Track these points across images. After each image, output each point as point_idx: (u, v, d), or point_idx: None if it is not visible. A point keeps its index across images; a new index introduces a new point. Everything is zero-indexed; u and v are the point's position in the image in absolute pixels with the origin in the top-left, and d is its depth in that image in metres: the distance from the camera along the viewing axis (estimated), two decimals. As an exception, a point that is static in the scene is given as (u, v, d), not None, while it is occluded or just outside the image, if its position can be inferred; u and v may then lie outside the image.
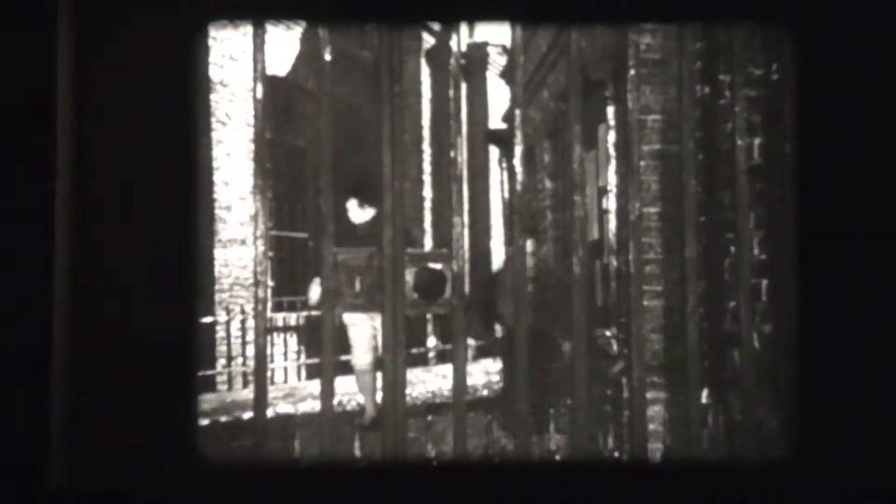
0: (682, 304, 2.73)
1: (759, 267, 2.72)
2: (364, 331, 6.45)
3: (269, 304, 11.05)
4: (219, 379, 10.87)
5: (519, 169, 2.69)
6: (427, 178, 15.11)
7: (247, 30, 2.58)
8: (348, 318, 6.46)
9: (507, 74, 13.00)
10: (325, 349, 2.53)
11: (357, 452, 3.13)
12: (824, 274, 2.17)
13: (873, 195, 2.17)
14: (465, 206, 16.29)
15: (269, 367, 11.25)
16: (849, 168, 2.18)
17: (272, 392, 9.88)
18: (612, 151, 7.86)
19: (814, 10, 2.18)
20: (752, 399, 2.73)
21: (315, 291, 5.78)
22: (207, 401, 9.53)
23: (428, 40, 15.56)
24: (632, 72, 2.78)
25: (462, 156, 2.89)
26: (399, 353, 2.67)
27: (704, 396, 2.84)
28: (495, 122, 15.56)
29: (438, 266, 3.55)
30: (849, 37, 2.17)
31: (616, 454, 3.82)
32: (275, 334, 11.55)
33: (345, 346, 6.63)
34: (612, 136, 7.84)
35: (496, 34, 16.27)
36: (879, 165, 2.18)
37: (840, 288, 2.17)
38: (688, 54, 2.75)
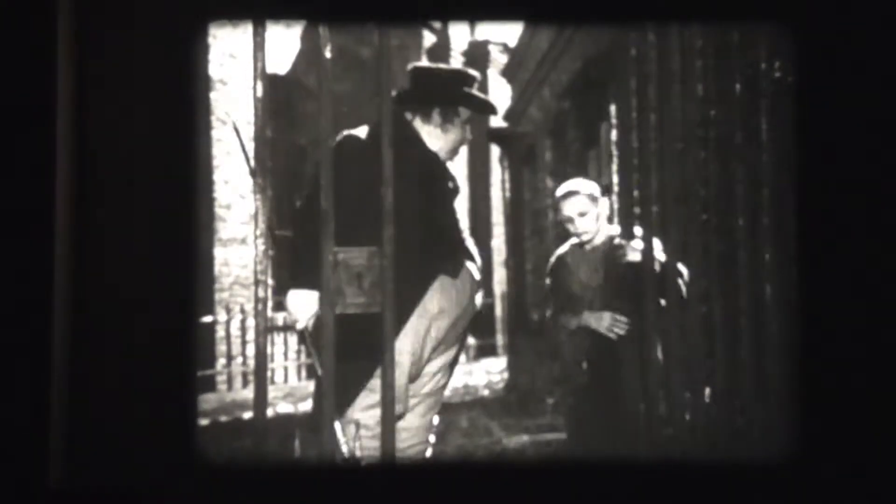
0: (685, 304, 2.73)
1: (761, 266, 2.72)
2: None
3: (270, 304, 11.06)
4: (219, 379, 10.88)
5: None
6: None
7: (247, 28, 2.56)
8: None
9: (509, 72, 13.01)
10: (325, 350, 2.53)
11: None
12: (824, 274, 2.17)
13: (873, 195, 2.17)
14: (467, 205, 16.29)
15: (270, 366, 11.26)
16: (849, 168, 2.18)
17: (272, 392, 9.89)
18: (614, 150, 7.87)
19: (814, 9, 2.17)
20: (753, 399, 2.73)
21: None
22: (207, 401, 9.53)
23: (429, 38, 15.56)
24: (633, 70, 2.77)
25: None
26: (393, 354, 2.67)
27: (706, 396, 2.83)
28: (496, 120, 15.52)
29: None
30: (849, 36, 2.17)
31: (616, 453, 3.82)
32: (275, 334, 11.55)
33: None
34: (613, 135, 7.84)
35: (497, 32, 16.27)
36: (880, 165, 2.18)
37: (840, 288, 2.16)
38: (689, 53, 2.75)
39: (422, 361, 3.25)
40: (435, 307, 3.24)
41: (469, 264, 3.35)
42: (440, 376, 3.36)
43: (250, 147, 2.48)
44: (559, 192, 4.14)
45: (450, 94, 3.39)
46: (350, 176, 3.08)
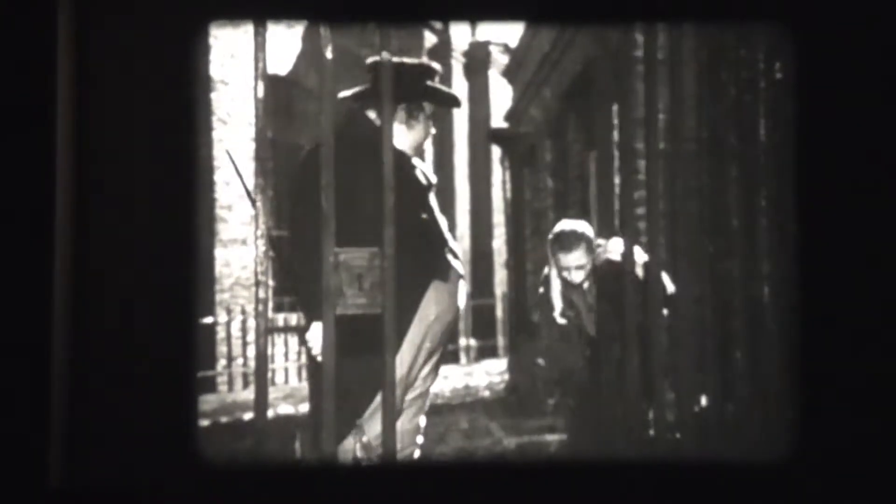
0: (682, 304, 2.73)
1: (759, 266, 2.72)
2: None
3: (270, 305, 11.06)
4: (219, 380, 10.87)
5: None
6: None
7: (248, 28, 2.56)
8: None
9: (510, 73, 13.00)
10: (325, 350, 2.53)
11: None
12: (824, 274, 2.16)
13: (873, 195, 2.17)
14: (468, 206, 16.29)
15: (270, 367, 11.25)
16: (849, 168, 2.18)
17: (273, 393, 9.89)
18: (615, 151, 7.86)
19: (814, 9, 2.17)
20: (751, 400, 2.73)
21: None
22: (207, 402, 9.53)
23: (430, 39, 15.56)
24: (633, 71, 2.78)
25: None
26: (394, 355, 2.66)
27: (704, 397, 2.83)
28: (497, 120, 15.54)
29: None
30: (849, 37, 2.17)
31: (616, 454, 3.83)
32: (275, 335, 11.54)
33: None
34: (615, 136, 7.84)
35: (498, 33, 16.27)
36: (880, 165, 2.18)
37: (840, 288, 2.16)
38: (689, 53, 2.74)
39: (416, 369, 3.24)
40: (431, 314, 3.21)
41: (455, 262, 3.33)
42: (429, 380, 3.35)
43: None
44: (557, 231, 4.17)
45: (413, 89, 3.30)
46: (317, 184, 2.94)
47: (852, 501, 2.15)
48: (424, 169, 3.42)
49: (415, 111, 3.33)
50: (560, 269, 4.16)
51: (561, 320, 4.28)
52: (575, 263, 4.10)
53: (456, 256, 3.34)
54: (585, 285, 4.14)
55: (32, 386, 2.06)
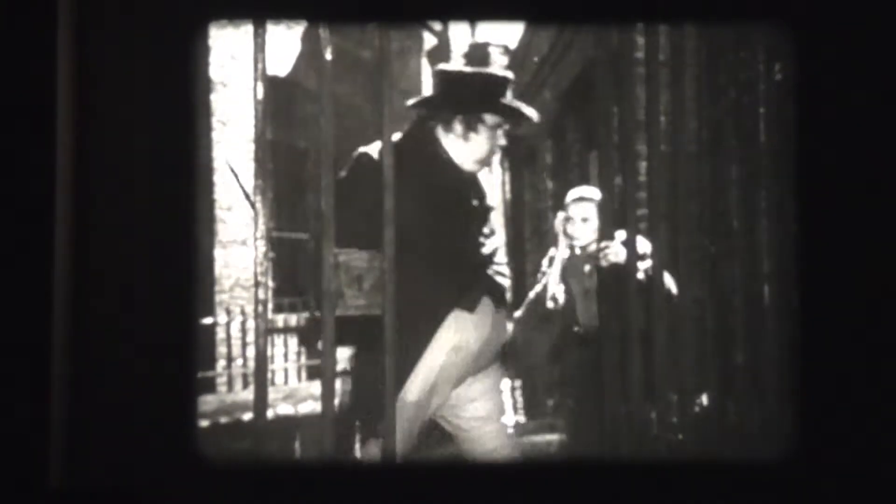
0: (682, 305, 2.73)
1: (760, 267, 2.72)
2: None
3: (270, 306, 11.05)
4: (219, 380, 10.87)
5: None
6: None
7: (247, 29, 2.55)
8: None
9: (508, 75, 12.98)
10: (325, 351, 2.53)
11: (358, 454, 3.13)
12: (824, 274, 2.16)
13: (873, 195, 2.17)
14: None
15: (270, 368, 11.24)
16: (849, 168, 2.18)
17: (272, 394, 9.88)
18: (615, 152, 7.85)
19: (814, 9, 2.17)
20: (752, 399, 2.73)
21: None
22: (207, 402, 9.52)
23: (430, 40, 15.55)
24: (634, 72, 2.77)
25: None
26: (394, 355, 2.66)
27: (704, 397, 2.83)
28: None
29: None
30: (849, 37, 2.17)
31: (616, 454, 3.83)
32: (275, 335, 11.53)
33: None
34: (615, 137, 7.83)
35: (498, 34, 16.25)
36: (880, 165, 2.17)
37: (840, 288, 2.16)
38: (688, 54, 2.74)
39: (436, 395, 3.13)
40: (449, 343, 3.09)
41: (488, 297, 3.15)
42: (483, 400, 3.27)
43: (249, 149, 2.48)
44: (570, 196, 4.22)
45: (481, 103, 3.11)
46: (364, 196, 2.81)
47: (852, 501, 2.15)
48: (481, 188, 3.23)
49: (473, 123, 3.13)
50: (565, 225, 4.19)
51: (549, 304, 4.26)
52: (581, 215, 4.14)
53: (498, 289, 3.19)
54: (586, 268, 4.15)
55: (32, 386, 2.05)
